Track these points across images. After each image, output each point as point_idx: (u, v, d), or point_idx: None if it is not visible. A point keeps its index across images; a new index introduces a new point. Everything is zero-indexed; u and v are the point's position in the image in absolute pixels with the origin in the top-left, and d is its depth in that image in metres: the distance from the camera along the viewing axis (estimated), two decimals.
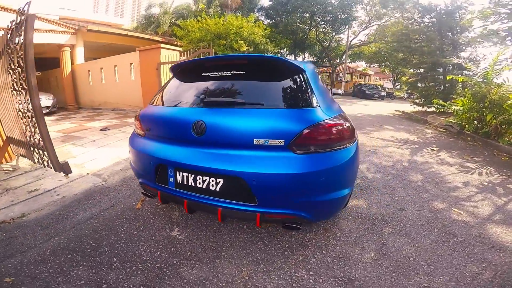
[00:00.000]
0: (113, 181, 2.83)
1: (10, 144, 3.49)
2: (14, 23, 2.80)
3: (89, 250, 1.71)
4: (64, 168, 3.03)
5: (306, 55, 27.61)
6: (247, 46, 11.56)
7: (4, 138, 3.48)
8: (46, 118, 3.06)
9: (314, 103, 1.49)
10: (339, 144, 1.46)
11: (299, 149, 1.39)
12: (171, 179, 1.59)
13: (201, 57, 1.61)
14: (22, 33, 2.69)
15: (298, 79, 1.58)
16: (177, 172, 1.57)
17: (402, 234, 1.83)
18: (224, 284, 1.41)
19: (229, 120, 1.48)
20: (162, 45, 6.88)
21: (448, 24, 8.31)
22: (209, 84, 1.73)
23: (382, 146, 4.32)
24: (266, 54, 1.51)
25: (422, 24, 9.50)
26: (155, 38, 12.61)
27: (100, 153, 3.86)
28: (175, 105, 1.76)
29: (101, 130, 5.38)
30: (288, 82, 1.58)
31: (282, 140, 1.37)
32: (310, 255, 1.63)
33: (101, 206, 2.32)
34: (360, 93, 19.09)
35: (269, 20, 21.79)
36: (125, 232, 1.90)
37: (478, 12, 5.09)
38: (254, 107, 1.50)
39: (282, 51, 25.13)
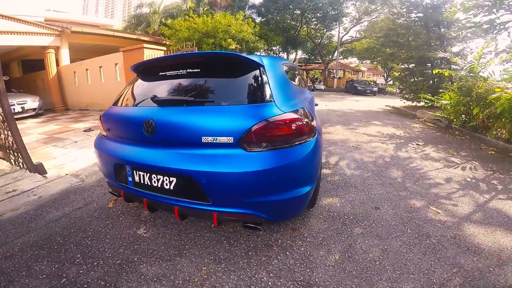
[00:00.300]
0: (90, 181, 2.84)
1: None
2: None
3: (55, 247, 1.73)
4: (39, 169, 3.07)
5: (299, 52, 27.54)
6: (236, 44, 11.44)
7: None
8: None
9: (268, 99, 1.43)
10: (294, 140, 1.40)
11: (250, 147, 1.32)
12: (130, 178, 1.60)
13: (158, 57, 1.53)
14: None
15: (254, 75, 1.50)
16: (134, 171, 1.56)
17: (372, 235, 1.73)
18: (181, 281, 1.39)
19: (177, 118, 1.44)
20: (145, 45, 6.71)
21: (434, 19, 8.26)
22: (164, 83, 1.70)
23: (366, 141, 4.25)
24: (224, 51, 1.47)
25: (409, 19, 9.45)
26: (142, 38, 12.37)
27: (80, 154, 3.84)
28: (134, 105, 1.74)
29: (84, 131, 5.31)
30: (242, 78, 1.50)
31: (231, 138, 1.31)
32: (273, 256, 1.55)
33: (75, 205, 2.36)
34: (352, 89, 19.04)
35: (260, 18, 21.69)
36: (93, 230, 1.92)
37: (459, 5, 5.04)
38: (204, 105, 1.45)
39: (274, 48, 25.05)
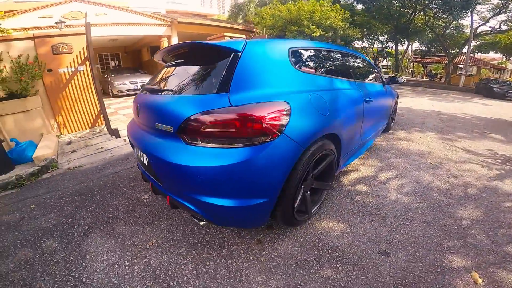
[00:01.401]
0: None
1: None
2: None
3: (88, 196, 2.33)
4: (114, 133, 4.05)
5: (417, 43, 22.80)
6: (322, 32, 10.70)
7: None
8: None
9: (223, 88, 1.27)
10: (237, 139, 1.22)
11: (189, 139, 1.27)
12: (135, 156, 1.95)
13: (163, 47, 1.69)
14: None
15: (222, 63, 1.37)
16: (136, 151, 1.82)
17: None
18: (128, 244, 1.69)
19: (147, 105, 1.63)
20: (226, 33, 7.29)
21: None
22: (161, 72, 1.94)
23: (457, 160, 3.14)
24: (200, 41, 1.35)
25: None
26: (235, 26, 13.39)
27: None
28: (141, 91, 2.03)
29: None
30: (208, 67, 1.47)
31: (171, 127, 1.32)
32: (214, 257, 1.55)
33: (125, 166, 3.01)
34: (485, 90, 14.23)
35: (361, 5, 19.05)
36: (118, 188, 2.45)
37: None
38: (166, 94, 1.56)
39: (382, 38, 21.57)
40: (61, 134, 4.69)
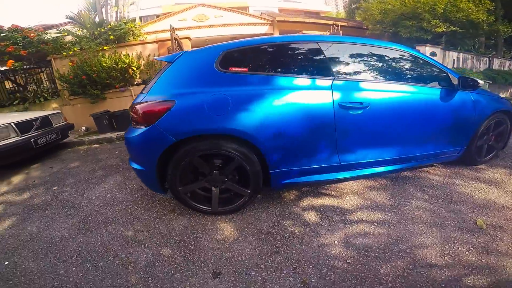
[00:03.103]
0: None
1: None
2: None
3: (120, 169, 3.21)
4: None
5: None
6: (454, 27, 8.46)
7: None
8: None
9: (149, 90, 1.77)
10: (137, 124, 1.74)
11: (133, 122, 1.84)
12: None
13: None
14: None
15: (160, 71, 1.85)
16: None
17: None
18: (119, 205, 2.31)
19: None
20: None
21: None
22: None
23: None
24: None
25: None
26: (338, 23, 12.70)
27: None
28: None
29: None
30: (157, 74, 1.93)
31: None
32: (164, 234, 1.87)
33: None
34: None
35: None
36: None
37: None
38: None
39: None
40: None
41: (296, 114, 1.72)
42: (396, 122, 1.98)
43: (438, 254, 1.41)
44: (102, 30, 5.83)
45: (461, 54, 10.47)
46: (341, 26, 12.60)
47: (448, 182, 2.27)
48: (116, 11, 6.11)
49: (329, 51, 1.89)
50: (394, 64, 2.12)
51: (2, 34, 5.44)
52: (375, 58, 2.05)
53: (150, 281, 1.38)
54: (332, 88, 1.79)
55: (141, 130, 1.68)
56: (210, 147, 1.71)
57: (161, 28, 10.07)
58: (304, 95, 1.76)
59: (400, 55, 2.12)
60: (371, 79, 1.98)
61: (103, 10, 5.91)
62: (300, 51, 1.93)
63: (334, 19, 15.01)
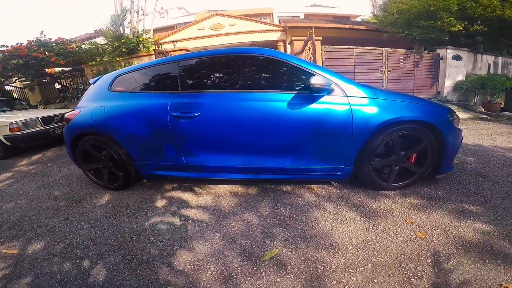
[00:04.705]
0: None
1: None
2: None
3: None
4: None
5: None
6: (476, 26, 7.69)
7: None
8: None
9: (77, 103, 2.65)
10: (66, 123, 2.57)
11: None
12: None
13: None
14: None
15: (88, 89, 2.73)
16: None
17: None
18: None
19: None
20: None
21: None
22: None
23: None
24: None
25: None
26: (355, 27, 12.38)
27: None
28: None
29: None
30: None
31: None
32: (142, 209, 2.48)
33: None
34: None
35: None
36: None
37: None
38: None
39: None
40: None
41: (143, 120, 2.13)
42: (233, 130, 1.95)
43: (188, 263, 1.43)
44: (117, 44, 7.00)
45: (500, 57, 9.16)
46: (360, 29, 12.24)
47: (315, 204, 1.96)
48: (129, 27, 7.25)
49: (181, 68, 2.11)
50: (235, 71, 2.08)
51: (49, 47, 6.99)
52: (218, 67, 2.12)
53: None
54: (170, 98, 2.06)
55: (66, 127, 2.52)
56: (93, 141, 2.37)
57: (184, 37, 11.27)
58: (149, 105, 2.13)
59: (250, 60, 2.03)
60: (206, 90, 2.07)
61: (121, 26, 7.07)
62: (160, 71, 2.25)
63: (356, 23, 14.55)
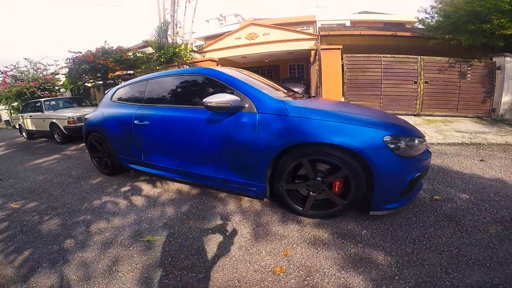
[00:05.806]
0: None
1: None
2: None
3: None
4: None
5: None
6: None
7: None
8: None
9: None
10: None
11: None
12: None
13: None
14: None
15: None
16: None
17: None
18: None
19: None
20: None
21: None
22: None
23: None
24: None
25: None
26: (399, 33, 11.41)
27: None
28: None
29: None
30: None
31: None
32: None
33: None
34: None
35: None
36: None
37: None
38: None
39: None
40: None
41: (120, 125, 2.77)
42: (169, 138, 2.31)
43: (101, 228, 2.14)
44: (158, 54, 8.18)
45: None
46: (403, 36, 11.20)
47: (228, 213, 2.04)
48: (169, 37, 8.36)
49: (148, 86, 2.64)
50: (181, 88, 2.39)
51: (109, 55, 8.64)
52: (171, 85, 2.46)
53: None
54: (136, 109, 2.63)
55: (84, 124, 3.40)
56: (95, 137, 3.15)
57: (224, 46, 12.19)
58: (124, 114, 2.74)
59: (196, 78, 2.30)
60: (156, 104, 2.49)
61: (163, 38, 8.24)
62: (137, 87, 2.80)
63: (405, 29, 13.33)
